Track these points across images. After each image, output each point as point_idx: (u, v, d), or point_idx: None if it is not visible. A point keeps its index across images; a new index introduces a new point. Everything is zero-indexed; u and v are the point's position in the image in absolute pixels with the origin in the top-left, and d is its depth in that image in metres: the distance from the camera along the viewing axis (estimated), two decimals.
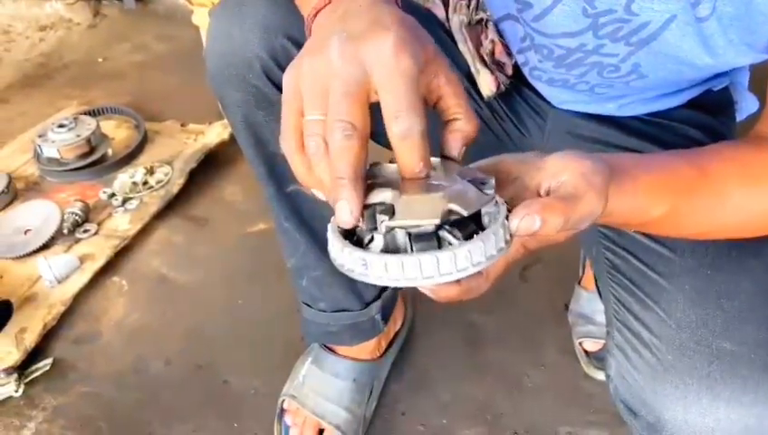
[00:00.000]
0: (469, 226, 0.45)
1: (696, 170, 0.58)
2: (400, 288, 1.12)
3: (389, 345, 1.18)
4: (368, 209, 0.45)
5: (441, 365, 1.21)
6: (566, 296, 1.30)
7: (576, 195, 0.46)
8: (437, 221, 0.43)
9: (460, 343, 1.25)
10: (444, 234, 0.44)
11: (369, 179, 0.47)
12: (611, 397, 0.72)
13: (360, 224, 0.45)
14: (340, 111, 0.44)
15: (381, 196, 0.45)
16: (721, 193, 0.58)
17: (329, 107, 0.45)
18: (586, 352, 1.19)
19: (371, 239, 0.46)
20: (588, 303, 1.21)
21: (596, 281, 0.90)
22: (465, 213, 0.44)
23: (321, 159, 0.45)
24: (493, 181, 0.47)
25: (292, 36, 0.76)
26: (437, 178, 0.46)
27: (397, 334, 1.21)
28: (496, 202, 0.46)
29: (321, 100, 0.45)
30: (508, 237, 0.45)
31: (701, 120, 0.84)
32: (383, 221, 0.44)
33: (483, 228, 0.45)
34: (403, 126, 0.43)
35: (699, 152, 0.61)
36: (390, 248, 0.45)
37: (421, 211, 0.44)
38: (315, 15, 0.53)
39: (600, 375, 1.17)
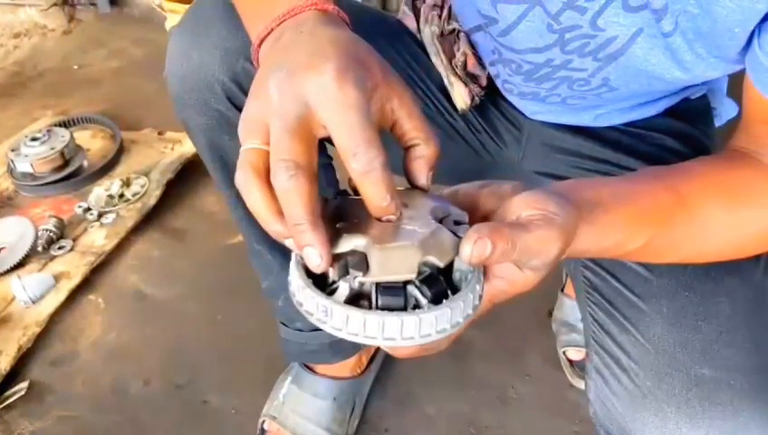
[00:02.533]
0: (438, 280, 0.43)
1: (674, 196, 0.56)
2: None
3: (371, 361, 1.16)
4: (339, 260, 0.42)
5: (425, 379, 1.20)
6: (549, 303, 1.28)
7: (525, 226, 0.44)
8: (413, 276, 0.41)
9: (443, 356, 1.21)
10: (412, 289, 0.42)
11: (337, 221, 0.44)
12: (592, 420, 0.71)
13: (331, 273, 0.43)
14: (281, 149, 0.41)
15: (352, 243, 0.42)
16: (700, 220, 0.57)
17: (270, 148, 0.42)
18: (570, 361, 1.18)
19: (336, 282, 0.43)
20: (571, 311, 1.20)
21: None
22: (441, 264, 0.42)
23: (250, 190, 0.42)
24: (467, 223, 0.45)
25: None
26: (409, 218, 0.44)
27: (378, 350, 1.18)
28: None
29: (256, 129, 0.43)
30: (477, 302, 0.44)
31: (679, 129, 0.83)
32: (356, 277, 0.42)
33: (451, 282, 0.43)
34: (362, 162, 0.41)
35: (677, 174, 0.60)
36: (354, 294, 0.43)
37: (396, 265, 0.42)
38: (260, 45, 0.51)
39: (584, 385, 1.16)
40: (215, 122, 0.77)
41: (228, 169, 0.82)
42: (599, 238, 0.49)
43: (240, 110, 0.75)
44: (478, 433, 1.11)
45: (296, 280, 0.44)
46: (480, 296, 0.44)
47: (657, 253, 0.57)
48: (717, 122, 0.91)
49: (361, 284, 0.42)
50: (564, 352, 1.19)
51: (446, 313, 0.41)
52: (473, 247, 0.41)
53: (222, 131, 0.78)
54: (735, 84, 0.85)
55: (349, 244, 0.42)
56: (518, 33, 0.68)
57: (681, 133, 0.83)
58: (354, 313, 0.41)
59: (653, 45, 0.61)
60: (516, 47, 0.70)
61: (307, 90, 0.42)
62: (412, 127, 0.46)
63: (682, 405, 0.61)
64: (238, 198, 0.86)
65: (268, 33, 0.50)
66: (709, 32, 0.57)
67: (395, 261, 0.41)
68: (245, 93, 0.76)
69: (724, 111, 0.91)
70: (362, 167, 0.41)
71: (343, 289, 0.43)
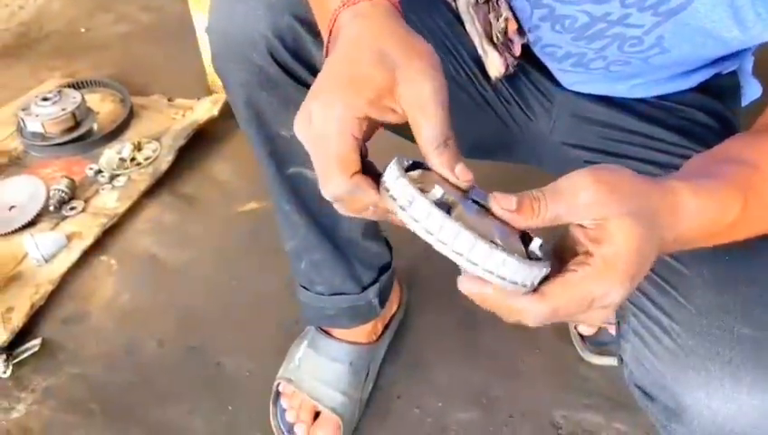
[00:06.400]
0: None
1: (743, 164, 0.57)
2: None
3: (385, 329, 1.17)
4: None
5: (437, 349, 1.21)
6: None
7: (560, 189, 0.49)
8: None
9: (456, 327, 1.24)
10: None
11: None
12: (625, 381, 0.72)
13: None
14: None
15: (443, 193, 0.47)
16: None
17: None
18: (581, 336, 1.19)
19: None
20: None
21: None
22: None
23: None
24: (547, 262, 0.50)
25: (298, 15, 0.73)
26: (499, 225, 0.49)
27: (393, 318, 1.20)
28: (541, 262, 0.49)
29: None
30: (535, 282, 0.48)
31: (709, 105, 0.84)
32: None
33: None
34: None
35: (727, 151, 0.61)
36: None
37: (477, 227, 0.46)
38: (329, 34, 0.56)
39: (595, 359, 1.17)
40: (254, 78, 0.77)
41: (264, 126, 0.82)
42: (697, 214, 0.52)
43: (281, 66, 0.76)
44: (488, 403, 1.13)
45: (394, 171, 0.48)
46: (542, 277, 0.48)
47: (750, 223, 0.57)
48: (742, 102, 0.92)
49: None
50: (575, 327, 1.20)
51: (513, 263, 0.46)
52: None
53: (261, 88, 0.77)
54: (760, 66, 0.86)
55: (439, 192, 0.47)
56: None
57: (711, 109, 0.83)
58: (436, 211, 0.46)
59: (717, 2, 0.62)
60: None
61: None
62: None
63: (725, 364, 0.61)
64: (270, 156, 0.86)
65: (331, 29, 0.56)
66: None
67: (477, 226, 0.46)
68: (288, 49, 0.76)
69: (750, 91, 0.92)
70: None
71: (436, 192, 0.47)
